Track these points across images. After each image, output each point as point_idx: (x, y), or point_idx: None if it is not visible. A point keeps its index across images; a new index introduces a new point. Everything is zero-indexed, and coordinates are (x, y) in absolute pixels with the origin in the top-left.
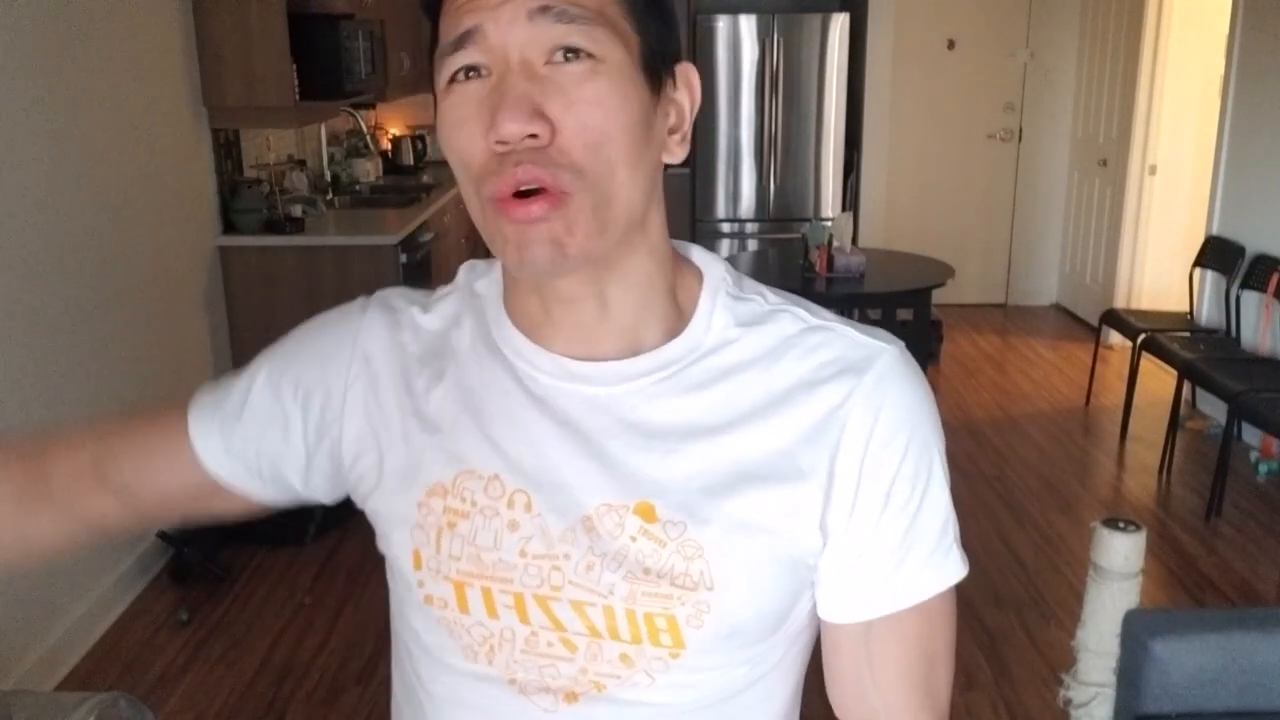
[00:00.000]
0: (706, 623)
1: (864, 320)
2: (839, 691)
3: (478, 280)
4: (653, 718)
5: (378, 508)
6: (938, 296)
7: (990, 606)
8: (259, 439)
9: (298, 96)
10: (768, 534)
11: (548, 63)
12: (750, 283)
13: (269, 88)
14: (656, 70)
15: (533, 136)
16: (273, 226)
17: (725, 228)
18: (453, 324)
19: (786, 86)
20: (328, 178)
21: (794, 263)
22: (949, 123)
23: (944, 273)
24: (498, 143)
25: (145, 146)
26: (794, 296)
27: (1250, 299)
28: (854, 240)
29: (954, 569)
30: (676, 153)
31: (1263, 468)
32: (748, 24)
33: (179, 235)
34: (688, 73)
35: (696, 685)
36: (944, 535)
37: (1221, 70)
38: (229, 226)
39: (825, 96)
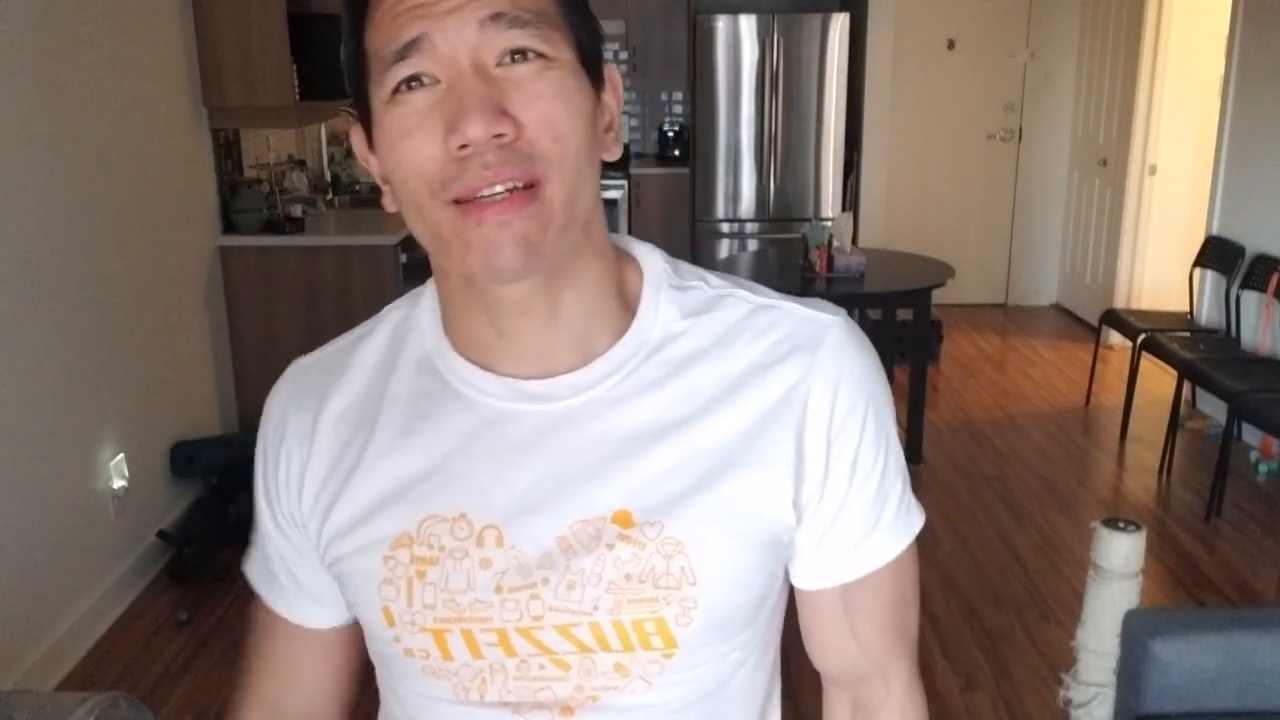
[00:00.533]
0: (695, 619)
1: (864, 321)
2: (819, 649)
3: (405, 319)
4: (651, 718)
5: (343, 571)
6: (938, 296)
7: (990, 606)
8: (321, 570)
9: (298, 96)
10: (744, 520)
11: (499, 64)
12: (689, 268)
13: (269, 88)
14: (595, 68)
15: (498, 135)
16: (273, 226)
17: (725, 228)
18: (386, 370)
19: (786, 86)
20: (328, 178)
21: (794, 263)
22: (949, 123)
23: (944, 273)
24: (461, 147)
25: (145, 147)
26: (734, 278)
27: (1250, 299)
28: (854, 240)
29: (917, 519)
30: (614, 150)
31: (1263, 468)
32: (748, 24)
33: (179, 235)
34: (612, 74)
35: (692, 680)
36: (905, 492)
37: (1221, 70)
38: (229, 226)
39: (825, 96)
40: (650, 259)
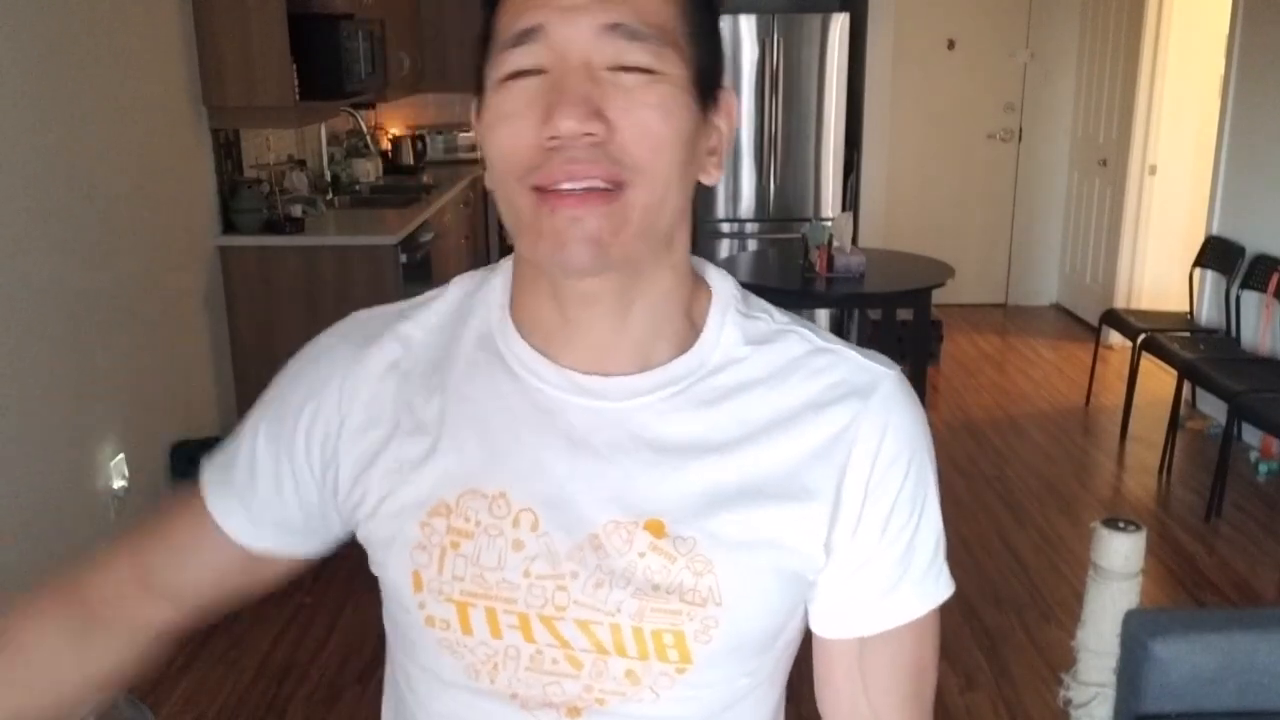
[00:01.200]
0: (714, 638)
1: (863, 321)
2: (832, 704)
3: (474, 293)
4: None
5: (374, 530)
6: (938, 296)
7: (990, 606)
8: (279, 499)
9: (298, 96)
10: (775, 549)
11: (608, 69)
12: (757, 300)
13: (269, 88)
14: (705, 92)
15: (589, 134)
16: (273, 226)
17: (725, 228)
18: (448, 336)
19: (786, 86)
20: (328, 178)
21: (794, 263)
22: (949, 123)
23: (944, 273)
24: (551, 138)
25: (145, 147)
26: (797, 317)
27: (1250, 299)
28: (854, 240)
29: (944, 587)
30: (714, 174)
31: (1262, 468)
32: (748, 24)
33: (179, 235)
34: (729, 99)
35: (698, 698)
36: (936, 555)
37: (1221, 70)
38: (229, 226)
39: (825, 96)
40: (722, 284)
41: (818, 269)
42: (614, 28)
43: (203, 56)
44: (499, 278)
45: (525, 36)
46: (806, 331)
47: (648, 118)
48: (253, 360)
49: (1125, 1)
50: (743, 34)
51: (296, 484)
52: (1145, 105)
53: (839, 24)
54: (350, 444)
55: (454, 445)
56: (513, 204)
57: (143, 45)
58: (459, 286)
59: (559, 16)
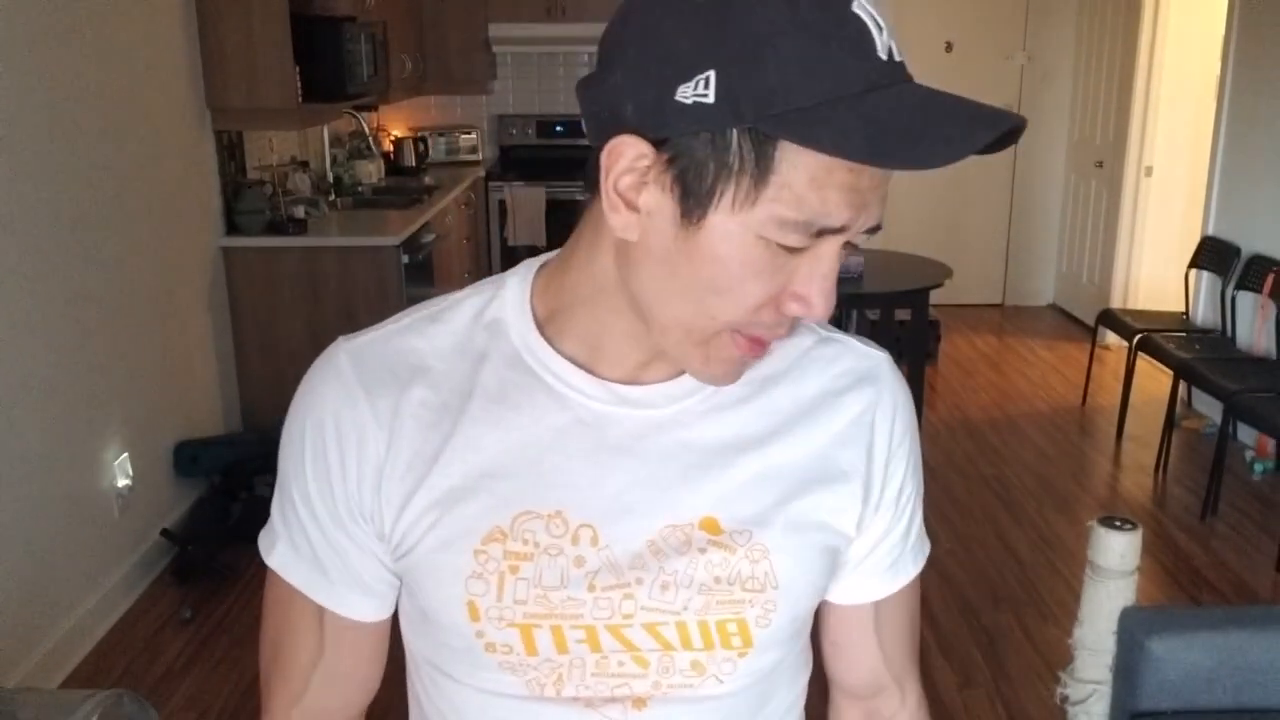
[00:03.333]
0: (773, 620)
1: (861, 321)
2: (847, 663)
3: (485, 309)
4: (716, 709)
5: (419, 563)
6: (935, 297)
7: (988, 605)
8: (374, 562)
9: (300, 98)
10: (819, 530)
11: None
12: None
13: (272, 90)
14: None
15: None
16: (276, 227)
17: None
18: (471, 361)
19: None
20: (330, 179)
21: None
22: None
23: (941, 273)
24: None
25: (149, 149)
26: None
27: (1245, 299)
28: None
29: (927, 543)
30: None
31: (1258, 467)
32: None
33: (183, 236)
34: None
35: (753, 675)
36: (920, 516)
37: (1217, 72)
38: (232, 227)
39: None
40: None
41: None
42: (872, 230)
43: (206, 59)
44: (510, 291)
45: (831, 232)
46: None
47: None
48: (255, 360)
49: (1122, 4)
50: None
51: (370, 545)
52: (1141, 107)
53: None
54: (393, 490)
55: (501, 470)
56: (690, 324)
57: (146, 48)
58: (468, 305)
59: (865, 212)
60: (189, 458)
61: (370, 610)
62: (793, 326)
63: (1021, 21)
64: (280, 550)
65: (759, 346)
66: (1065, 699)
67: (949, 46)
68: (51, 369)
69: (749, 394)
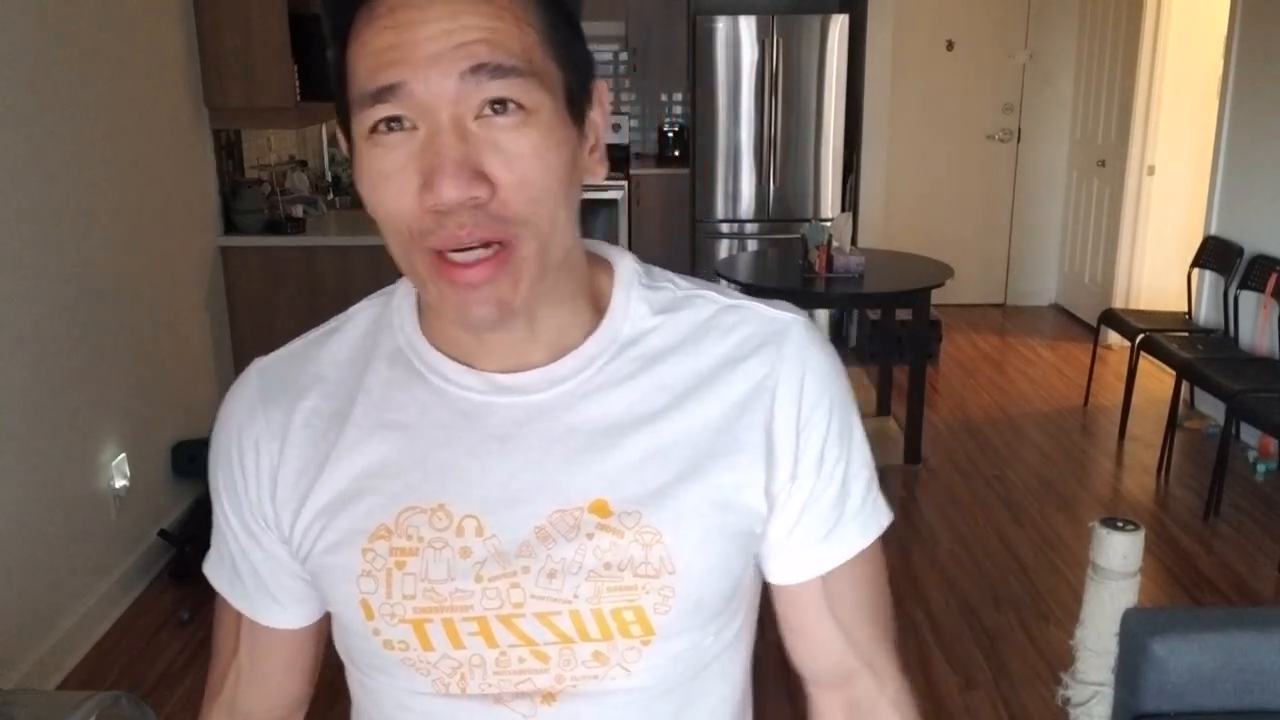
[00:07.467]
0: (673, 606)
1: (862, 321)
2: (807, 648)
3: (380, 317)
4: (630, 704)
5: (320, 566)
6: (937, 297)
7: (989, 606)
8: (286, 572)
9: (299, 97)
10: (719, 509)
11: (477, 117)
12: (659, 271)
13: (270, 89)
14: (580, 104)
15: (472, 198)
16: (274, 227)
17: (725, 228)
18: (361, 366)
19: (786, 87)
20: (329, 178)
21: (793, 263)
22: (948, 123)
23: (943, 273)
24: (434, 205)
25: (147, 148)
26: (702, 281)
27: (1248, 299)
28: (853, 240)
29: (884, 514)
30: (598, 172)
31: (1260, 467)
32: (747, 25)
33: (181, 235)
34: (600, 90)
35: (669, 664)
36: (871, 485)
37: (1220, 71)
38: (230, 227)
39: (825, 97)
40: (622, 260)
41: (817, 269)
42: (477, 69)
43: (204, 58)
44: (399, 297)
45: (386, 93)
46: (712, 293)
47: (525, 170)
48: (254, 360)
49: (1124, 2)
50: (742, 35)
51: (279, 553)
52: (1144, 105)
53: (838, 25)
54: (285, 494)
55: (387, 469)
56: (410, 261)
57: (144, 47)
58: (363, 315)
59: (419, 71)
60: (187, 458)
61: (285, 619)
62: (479, 217)
63: (1023, 20)
64: (210, 557)
65: (468, 275)
66: (1067, 700)
67: (950, 45)
68: (48, 368)
69: (636, 370)
